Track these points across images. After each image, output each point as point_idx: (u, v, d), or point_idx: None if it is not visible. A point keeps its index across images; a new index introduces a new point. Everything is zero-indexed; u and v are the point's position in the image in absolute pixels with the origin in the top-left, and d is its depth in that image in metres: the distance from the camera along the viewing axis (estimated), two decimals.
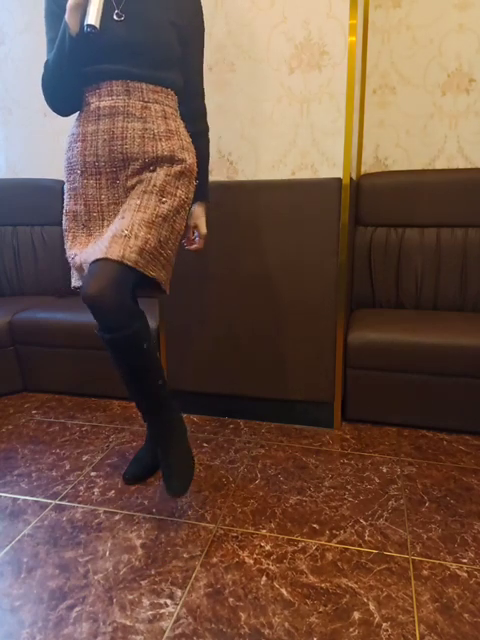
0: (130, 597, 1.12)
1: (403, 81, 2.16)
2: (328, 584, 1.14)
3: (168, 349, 1.99)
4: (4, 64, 2.59)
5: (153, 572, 1.19)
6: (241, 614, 1.07)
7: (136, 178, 1.29)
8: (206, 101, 1.46)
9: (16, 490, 1.53)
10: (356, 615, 1.06)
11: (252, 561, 1.22)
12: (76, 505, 1.45)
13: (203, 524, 1.36)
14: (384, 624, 1.03)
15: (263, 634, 1.02)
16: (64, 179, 1.39)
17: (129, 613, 1.07)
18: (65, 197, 1.39)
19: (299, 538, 1.30)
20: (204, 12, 1.40)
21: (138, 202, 1.25)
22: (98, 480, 1.58)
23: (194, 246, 1.49)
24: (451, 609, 1.07)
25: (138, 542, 1.29)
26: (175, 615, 1.07)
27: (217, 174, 1.81)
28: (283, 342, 1.87)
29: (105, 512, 1.42)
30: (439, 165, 2.19)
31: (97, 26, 1.15)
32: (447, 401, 1.80)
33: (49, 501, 1.48)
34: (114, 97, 1.27)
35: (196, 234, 1.49)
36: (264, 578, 1.17)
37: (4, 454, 1.76)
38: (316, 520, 1.37)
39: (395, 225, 2.15)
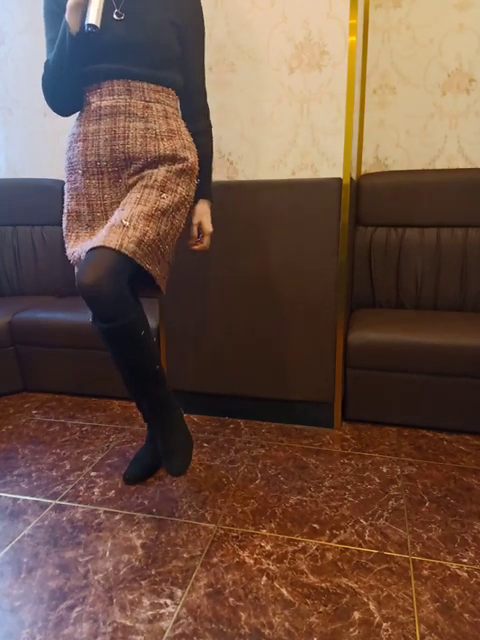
0: (130, 597, 1.12)
1: (403, 81, 2.16)
2: (328, 584, 1.14)
3: (168, 349, 1.99)
4: (4, 64, 2.59)
5: (153, 572, 1.19)
6: (241, 614, 1.07)
7: (137, 176, 1.29)
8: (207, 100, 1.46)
9: (16, 490, 1.53)
10: (356, 615, 1.06)
11: (252, 561, 1.22)
12: (76, 505, 1.45)
13: (203, 524, 1.36)
14: (384, 624, 1.03)
15: (263, 634, 1.02)
16: (64, 179, 1.39)
17: (129, 613, 1.07)
18: (66, 197, 1.39)
19: (299, 538, 1.30)
20: (204, 12, 1.40)
21: (138, 196, 1.25)
22: (98, 480, 1.58)
23: (200, 245, 1.47)
24: (451, 609, 1.07)
25: (138, 542, 1.29)
26: (175, 615, 1.07)
27: (217, 174, 1.81)
28: (283, 342, 1.87)
29: (105, 512, 1.42)
30: (439, 165, 2.19)
31: (98, 25, 1.15)
32: (447, 401, 1.80)
33: (49, 501, 1.47)
34: (115, 97, 1.27)
35: (200, 233, 1.48)
36: (264, 578, 1.17)
37: (4, 454, 1.76)
38: (316, 520, 1.37)
39: (395, 225, 2.15)
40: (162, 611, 1.08)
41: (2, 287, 2.60)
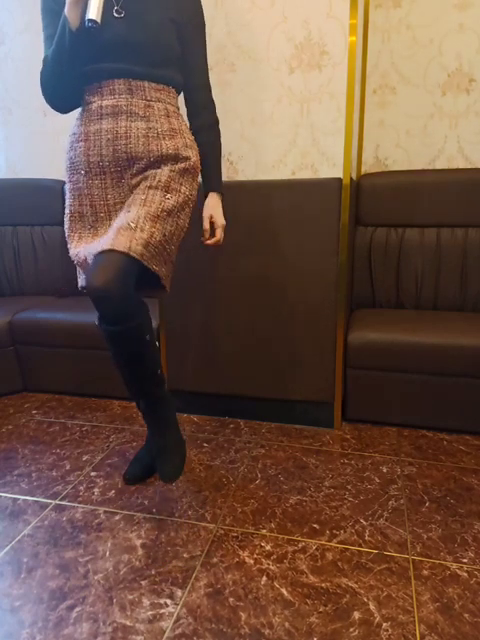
0: (130, 597, 1.12)
1: (403, 81, 2.16)
2: (328, 584, 1.14)
3: (168, 349, 1.99)
4: (4, 64, 2.59)
5: (153, 572, 1.19)
6: (241, 614, 1.07)
7: (140, 176, 1.29)
8: None
9: (16, 490, 1.53)
10: (356, 615, 1.06)
11: (252, 561, 1.22)
12: (76, 505, 1.45)
13: (203, 524, 1.36)
14: (384, 624, 1.03)
15: (263, 634, 1.02)
16: (66, 179, 1.38)
17: (129, 613, 1.07)
18: (68, 197, 1.38)
19: (299, 538, 1.30)
20: (204, 12, 1.40)
21: (143, 197, 1.25)
22: (98, 480, 1.58)
23: (213, 240, 1.44)
24: (451, 609, 1.07)
25: (138, 542, 1.29)
26: (175, 615, 1.07)
27: None
28: (283, 342, 1.87)
29: (105, 512, 1.42)
30: (439, 165, 2.19)
31: (98, 21, 1.15)
32: (447, 401, 1.80)
33: (49, 501, 1.47)
34: (116, 96, 1.26)
35: (212, 227, 1.46)
36: (264, 578, 1.17)
37: (4, 454, 1.76)
38: (316, 520, 1.37)
39: (395, 225, 2.15)
40: (162, 611, 1.08)
41: (2, 287, 2.60)
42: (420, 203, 2.10)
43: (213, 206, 1.44)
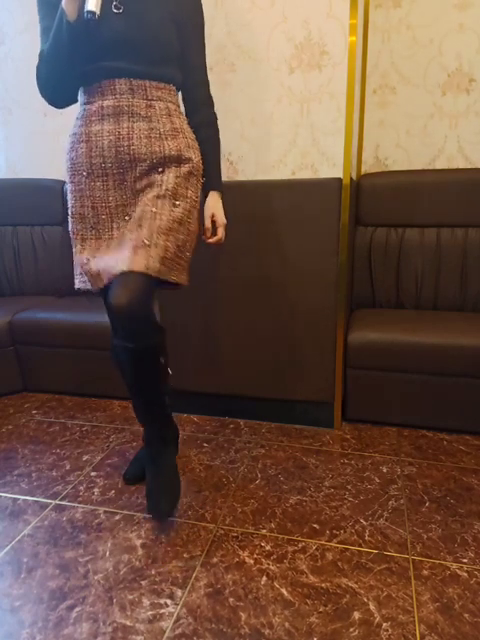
0: (130, 597, 1.12)
1: (403, 81, 2.16)
2: (328, 584, 1.14)
3: (168, 349, 1.98)
4: (4, 64, 2.59)
5: (153, 572, 1.19)
6: (241, 614, 1.07)
7: (145, 180, 1.28)
8: None
9: (16, 490, 1.53)
10: (356, 615, 1.06)
11: (252, 561, 1.22)
12: (76, 505, 1.45)
13: (203, 524, 1.36)
14: (384, 624, 1.03)
15: (263, 634, 1.02)
16: (67, 180, 1.37)
17: (129, 613, 1.07)
18: (70, 199, 1.37)
19: (299, 538, 1.30)
20: (204, 12, 1.39)
21: (154, 209, 1.26)
22: (98, 480, 1.58)
23: (214, 238, 1.44)
24: (451, 609, 1.07)
25: (138, 542, 1.29)
26: (175, 615, 1.07)
27: None
28: (283, 342, 1.87)
29: (105, 512, 1.42)
30: (439, 165, 2.19)
31: (97, 12, 1.13)
32: (447, 401, 1.80)
33: (49, 501, 1.47)
34: (117, 96, 1.25)
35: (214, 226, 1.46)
36: (264, 578, 1.17)
37: (4, 454, 1.76)
38: (316, 520, 1.37)
39: (395, 225, 2.15)
40: (162, 611, 1.08)
41: (2, 287, 2.60)
42: (420, 203, 2.10)
43: (214, 205, 1.44)
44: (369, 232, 2.18)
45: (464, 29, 2.05)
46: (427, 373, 1.79)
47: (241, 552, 1.25)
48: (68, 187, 1.38)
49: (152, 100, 1.28)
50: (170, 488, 1.35)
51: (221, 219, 1.44)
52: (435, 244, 2.10)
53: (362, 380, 1.86)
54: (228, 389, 1.97)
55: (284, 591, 1.13)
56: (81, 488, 1.54)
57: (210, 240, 1.45)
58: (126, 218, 1.30)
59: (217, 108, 1.46)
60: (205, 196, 1.45)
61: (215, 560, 1.22)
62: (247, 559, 1.23)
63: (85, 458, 1.72)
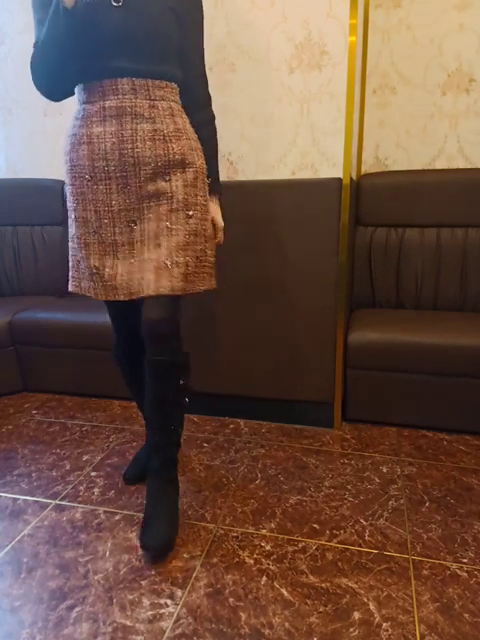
0: (130, 597, 1.12)
1: (403, 81, 2.16)
2: (328, 584, 1.14)
3: None
4: (4, 64, 2.59)
5: (153, 572, 1.19)
6: (241, 614, 1.07)
7: (151, 186, 1.26)
8: None
9: (16, 490, 1.53)
10: (356, 615, 1.06)
11: (252, 561, 1.22)
12: (76, 505, 1.45)
13: (203, 524, 1.36)
14: (384, 624, 1.03)
15: (263, 634, 1.02)
16: (67, 182, 1.34)
17: (129, 613, 1.07)
18: (70, 201, 1.34)
19: (299, 538, 1.30)
20: (204, 13, 1.39)
21: (168, 225, 1.26)
22: (98, 480, 1.58)
23: (213, 241, 1.43)
24: (451, 609, 1.07)
25: (138, 542, 1.29)
26: (175, 615, 1.07)
27: None
28: (283, 342, 1.87)
29: (105, 512, 1.42)
30: (439, 165, 2.19)
31: None
32: (447, 401, 1.80)
33: (49, 501, 1.47)
34: (120, 96, 1.23)
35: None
36: (264, 578, 1.17)
37: (4, 454, 1.76)
38: (316, 520, 1.37)
39: (395, 225, 2.15)
40: (162, 611, 1.08)
41: (2, 287, 2.59)
42: (420, 203, 2.10)
43: (213, 209, 1.43)
44: (369, 232, 2.18)
45: (464, 29, 2.05)
46: (427, 373, 1.79)
47: (241, 552, 1.25)
48: (68, 189, 1.35)
49: (155, 100, 1.25)
50: (167, 520, 1.29)
51: (220, 223, 1.44)
52: (435, 244, 2.10)
53: (362, 380, 1.86)
54: (228, 389, 1.97)
55: (284, 591, 1.13)
56: (81, 488, 1.54)
57: None
58: (132, 225, 1.28)
59: (217, 108, 1.45)
60: None
61: (215, 560, 1.22)
62: (247, 559, 1.23)
63: (85, 458, 1.72)
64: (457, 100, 2.12)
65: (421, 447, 1.75)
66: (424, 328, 1.83)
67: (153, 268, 1.26)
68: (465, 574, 1.17)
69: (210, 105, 1.42)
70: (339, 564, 1.21)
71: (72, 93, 1.30)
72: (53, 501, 1.47)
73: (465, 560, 1.21)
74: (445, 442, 1.78)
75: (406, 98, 2.17)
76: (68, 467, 1.66)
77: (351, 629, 1.02)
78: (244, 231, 1.81)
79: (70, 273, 1.39)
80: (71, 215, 1.36)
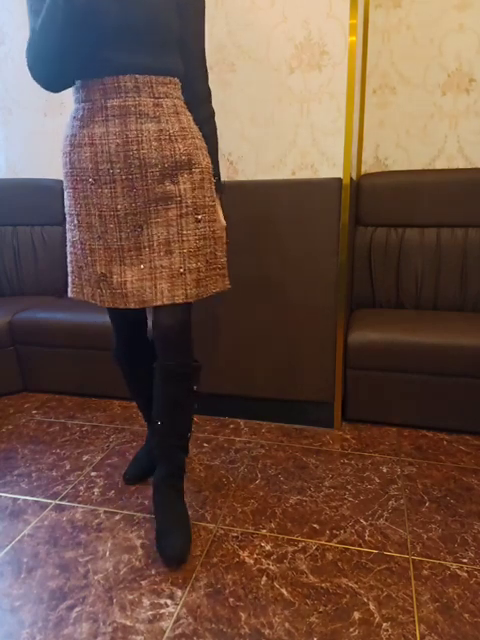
0: (130, 597, 1.12)
1: (403, 81, 2.16)
2: (328, 584, 1.14)
3: None
4: (4, 64, 2.59)
5: (153, 572, 1.19)
6: (241, 614, 1.07)
7: (159, 189, 1.22)
8: None
9: (16, 490, 1.53)
10: (356, 615, 1.06)
11: (252, 561, 1.22)
12: (76, 505, 1.45)
13: (203, 524, 1.36)
14: (384, 624, 1.03)
15: (263, 634, 1.02)
16: (66, 184, 1.30)
17: (129, 613, 1.07)
18: (71, 205, 1.30)
19: (299, 538, 1.30)
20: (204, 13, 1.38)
21: (179, 230, 1.24)
22: (98, 480, 1.58)
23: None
24: (451, 609, 1.07)
25: (138, 542, 1.29)
26: (175, 615, 1.07)
27: None
28: (283, 342, 1.87)
29: (105, 512, 1.42)
30: (439, 165, 2.19)
31: None
32: (447, 401, 1.80)
33: (49, 501, 1.47)
34: (123, 95, 1.18)
35: None
36: (264, 578, 1.17)
37: (4, 454, 1.76)
38: (316, 520, 1.37)
39: (395, 225, 2.15)
40: (162, 611, 1.08)
41: (2, 287, 2.59)
42: (420, 203, 2.10)
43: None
44: (369, 232, 2.18)
45: (464, 29, 2.05)
46: (427, 373, 1.79)
47: (241, 552, 1.25)
48: (68, 192, 1.30)
49: (159, 97, 1.21)
50: (181, 526, 1.29)
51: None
52: (435, 244, 2.10)
53: (362, 380, 1.86)
54: (228, 389, 1.97)
55: (284, 591, 1.13)
56: (81, 488, 1.54)
57: None
58: (138, 229, 1.24)
59: (217, 108, 1.45)
60: None
61: (215, 560, 1.22)
62: (247, 559, 1.23)
63: (85, 458, 1.72)
64: (457, 100, 2.12)
65: (421, 447, 1.75)
66: (424, 328, 1.83)
67: (167, 276, 1.25)
68: (465, 574, 1.17)
69: (210, 100, 1.39)
70: (339, 564, 1.21)
71: (72, 84, 1.24)
72: (53, 501, 1.47)
73: (465, 560, 1.21)
74: (445, 442, 1.78)
75: (406, 98, 2.17)
76: (68, 467, 1.66)
77: (351, 629, 1.02)
78: (244, 231, 1.81)
79: (69, 279, 1.36)
80: (72, 220, 1.31)
